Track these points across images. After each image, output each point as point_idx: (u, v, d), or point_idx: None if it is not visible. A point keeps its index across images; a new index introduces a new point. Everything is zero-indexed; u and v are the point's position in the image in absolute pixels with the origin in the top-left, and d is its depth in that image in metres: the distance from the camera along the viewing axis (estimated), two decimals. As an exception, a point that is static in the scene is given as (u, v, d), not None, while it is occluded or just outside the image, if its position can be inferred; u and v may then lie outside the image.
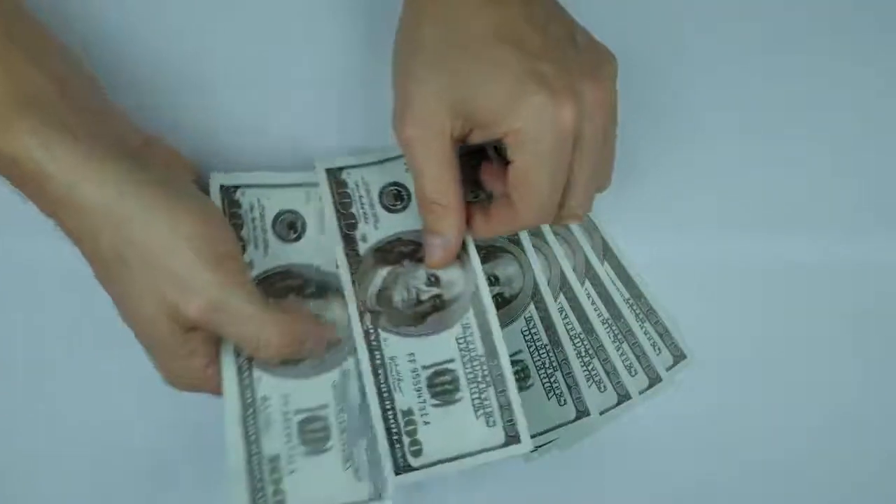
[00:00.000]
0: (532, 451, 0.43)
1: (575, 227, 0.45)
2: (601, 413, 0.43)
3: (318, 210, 0.41)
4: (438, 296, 0.40)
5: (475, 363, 0.38)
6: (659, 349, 0.45)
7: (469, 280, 0.40)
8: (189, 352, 0.35)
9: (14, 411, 0.42)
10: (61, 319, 0.42)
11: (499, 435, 0.37)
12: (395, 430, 0.37)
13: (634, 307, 0.45)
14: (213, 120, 0.43)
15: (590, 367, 0.44)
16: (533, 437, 0.38)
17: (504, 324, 0.42)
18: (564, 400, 0.43)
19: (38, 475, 0.42)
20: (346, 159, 0.43)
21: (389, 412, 0.38)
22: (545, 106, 0.34)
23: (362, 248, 0.41)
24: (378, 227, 0.41)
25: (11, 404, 0.42)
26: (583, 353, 0.44)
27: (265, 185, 0.41)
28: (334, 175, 0.42)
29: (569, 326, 0.44)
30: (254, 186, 0.41)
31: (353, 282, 0.40)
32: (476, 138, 0.36)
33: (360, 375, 0.38)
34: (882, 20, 0.46)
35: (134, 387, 0.41)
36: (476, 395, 0.38)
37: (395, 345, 0.39)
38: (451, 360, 0.39)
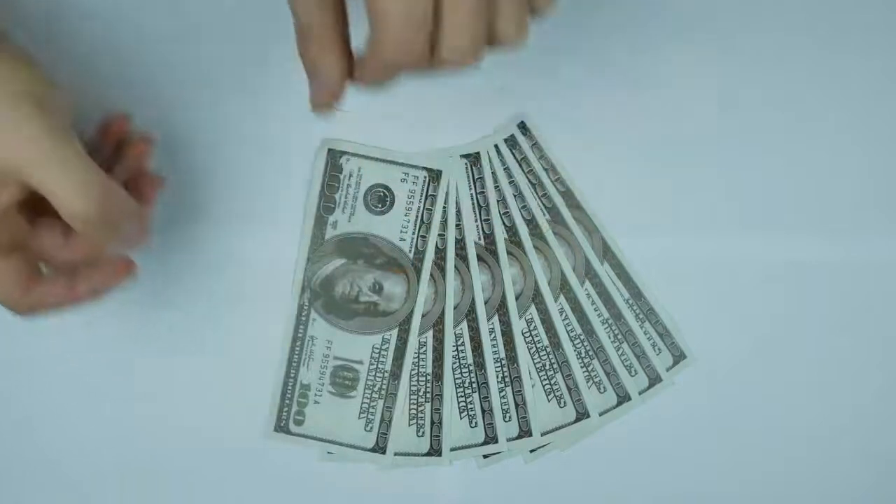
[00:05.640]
0: (531, 452, 0.43)
1: (575, 228, 0.45)
2: (601, 414, 0.43)
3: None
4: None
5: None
6: (659, 349, 0.45)
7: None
8: None
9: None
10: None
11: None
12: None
13: (634, 307, 0.45)
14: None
15: (589, 368, 0.44)
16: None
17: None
18: (564, 402, 0.43)
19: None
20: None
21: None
22: None
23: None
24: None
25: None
26: (583, 355, 0.44)
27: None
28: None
29: (569, 328, 0.44)
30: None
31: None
32: None
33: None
34: (882, 20, 0.46)
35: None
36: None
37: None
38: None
